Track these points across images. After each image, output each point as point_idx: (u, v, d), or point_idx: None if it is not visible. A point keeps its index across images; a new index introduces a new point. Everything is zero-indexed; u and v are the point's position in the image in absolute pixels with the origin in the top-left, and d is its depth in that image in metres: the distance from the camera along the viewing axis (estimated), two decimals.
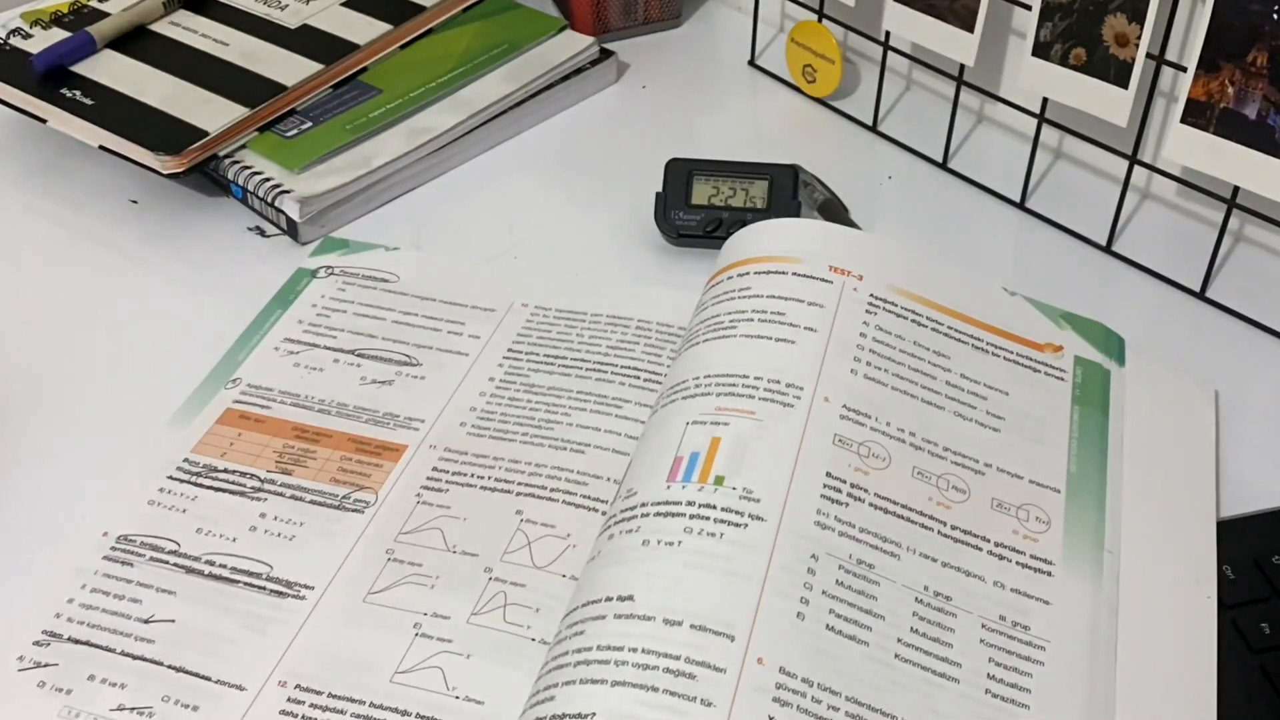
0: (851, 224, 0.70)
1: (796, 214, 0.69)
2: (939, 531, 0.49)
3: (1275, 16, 0.56)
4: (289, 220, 0.70)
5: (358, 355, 0.62)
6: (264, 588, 0.51)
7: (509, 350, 0.62)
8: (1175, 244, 0.68)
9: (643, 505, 0.49)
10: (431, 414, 0.59)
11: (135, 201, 0.74)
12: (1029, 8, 0.66)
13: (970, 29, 0.69)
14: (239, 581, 0.52)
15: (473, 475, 0.56)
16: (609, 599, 0.45)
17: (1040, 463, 0.53)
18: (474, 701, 0.47)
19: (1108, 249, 0.69)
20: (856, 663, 0.44)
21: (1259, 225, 0.67)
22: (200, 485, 0.56)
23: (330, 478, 0.56)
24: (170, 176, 0.71)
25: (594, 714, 0.41)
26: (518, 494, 0.55)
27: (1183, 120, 0.61)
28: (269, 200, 0.71)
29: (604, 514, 0.53)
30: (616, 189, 0.74)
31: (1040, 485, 0.52)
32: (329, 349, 0.63)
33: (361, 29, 0.81)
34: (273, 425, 0.58)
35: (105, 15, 0.80)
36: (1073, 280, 0.67)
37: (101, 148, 0.72)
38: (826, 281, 0.57)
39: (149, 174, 0.71)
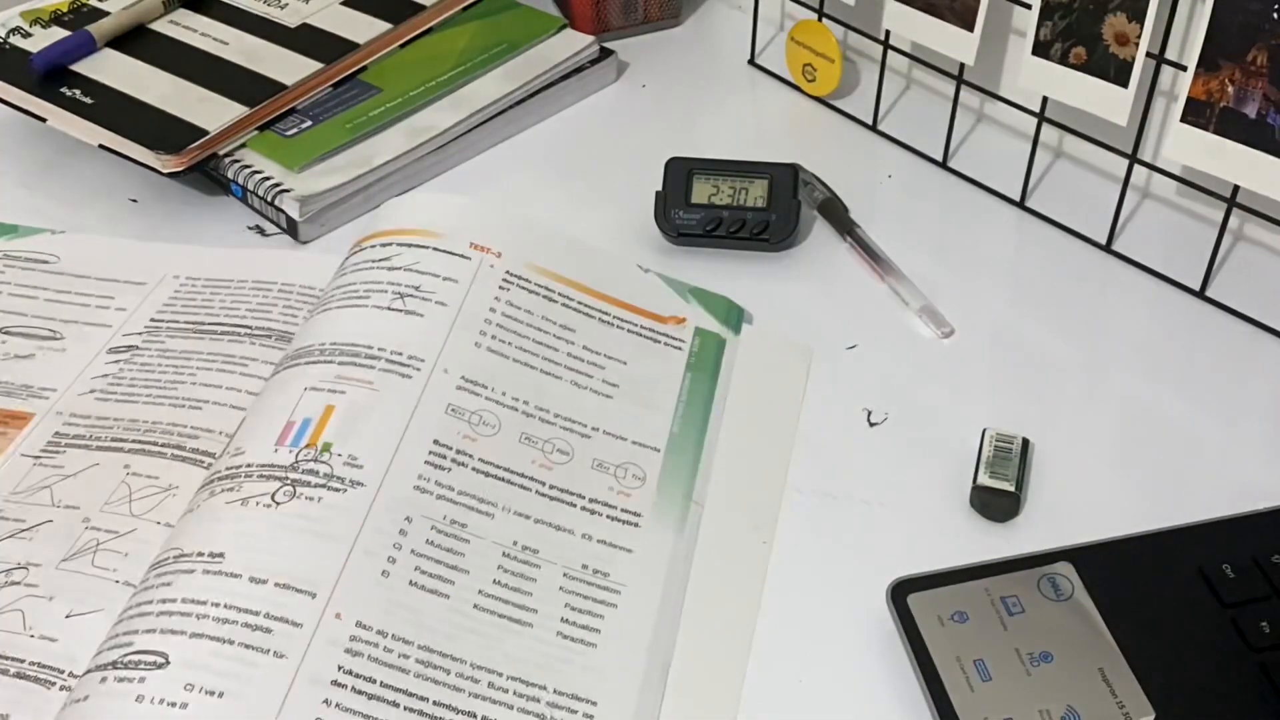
0: (852, 223, 0.70)
1: (797, 213, 0.69)
2: (537, 491, 0.53)
3: (1275, 15, 0.56)
4: (289, 219, 0.70)
5: (3, 332, 0.64)
6: None
7: (151, 319, 0.64)
8: (1175, 243, 0.68)
9: (248, 465, 0.51)
10: (64, 383, 0.61)
11: (135, 200, 0.74)
12: (1029, 7, 0.66)
13: (970, 28, 0.69)
14: None
15: (90, 437, 0.57)
16: (200, 554, 0.47)
17: (645, 425, 0.57)
18: (47, 639, 0.49)
19: (1108, 248, 0.69)
20: (434, 614, 0.47)
21: (1259, 224, 0.67)
22: None
23: None
24: (170, 175, 0.71)
25: (166, 658, 0.44)
26: (129, 450, 0.56)
27: (1183, 119, 0.61)
28: (269, 199, 0.71)
29: (208, 466, 0.55)
30: (616, 188, 0.74)
31: (642, 445, 0.56)
32: None
33: (361, 28, 0.81)
34: None
35: (105, 14, 0.80)
36: (1072, 279, 0.67)
37: (101, 146, 0.72)
38: (464, 258, 0.60)
39: (149, 173, 0.71)
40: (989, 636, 0.47)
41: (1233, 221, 0.64)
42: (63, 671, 0.48)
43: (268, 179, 0.71)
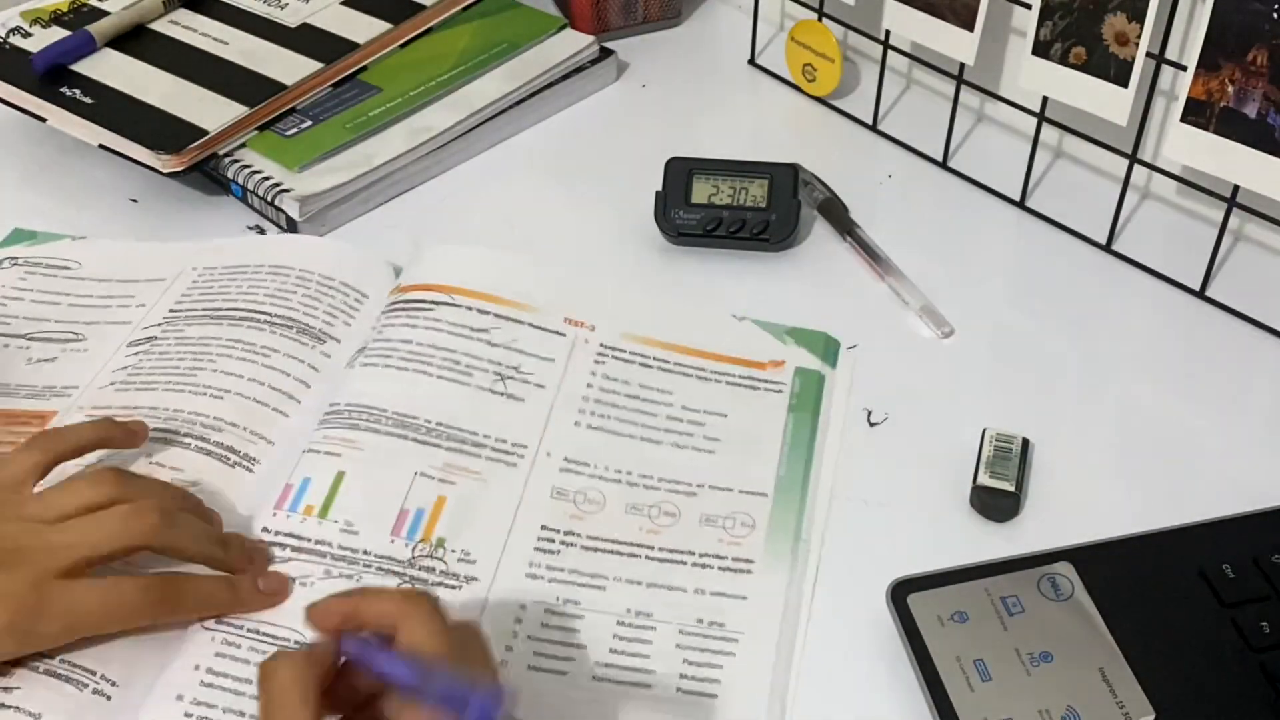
0: (852, 223, 0.70)
1: (797, 213, 0.69)
2: (646, 557, 0.53)
3: (1275, 16, 0.56)
4: (289, 219, 0.70)
5: (28, 339, 0.63)
6: None
7: (170, 310, 0.64)
8: (1175, 243, 0.68)
9: (364, 553, 0.52)
10: (86, 379, 0.61)
11: (135, 200, 0.74)
12: (1029, 7, 0.66)
13: (970, 28, 0.69)
14: None
15: None
16: None
17: (751, 473, 0.56)
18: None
19: (1108, 248, 0.69)
20: (554, 693, 0.48)
21: (1259, 224, 0.67)
22: None
23: None
24: (170, 175, 0.71)
25: None
26: (150, 439, 0.56)
27: (1183, 119, 0.61)
28: (269, 199, 0.71)
29: (234, 464, 0.55)
30: (616, 188, 0.74)
31: (749, 493, 0.56)
32: (0, 335, 0.64)
33: (361, 28, 0.81)
34: None
35: (105, 14, 0.80)
36: (1072, 279, 0.67)
37: (101, 146, 0.72)
38: (560, 334, 0.62)
39: (149, 172, 0.71)
40: (989, 636, 0.47)
41: (1233, 221, 0.64)
42: (95, 673, 0.47)
43: (268, 179, 0.71)
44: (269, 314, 0.63)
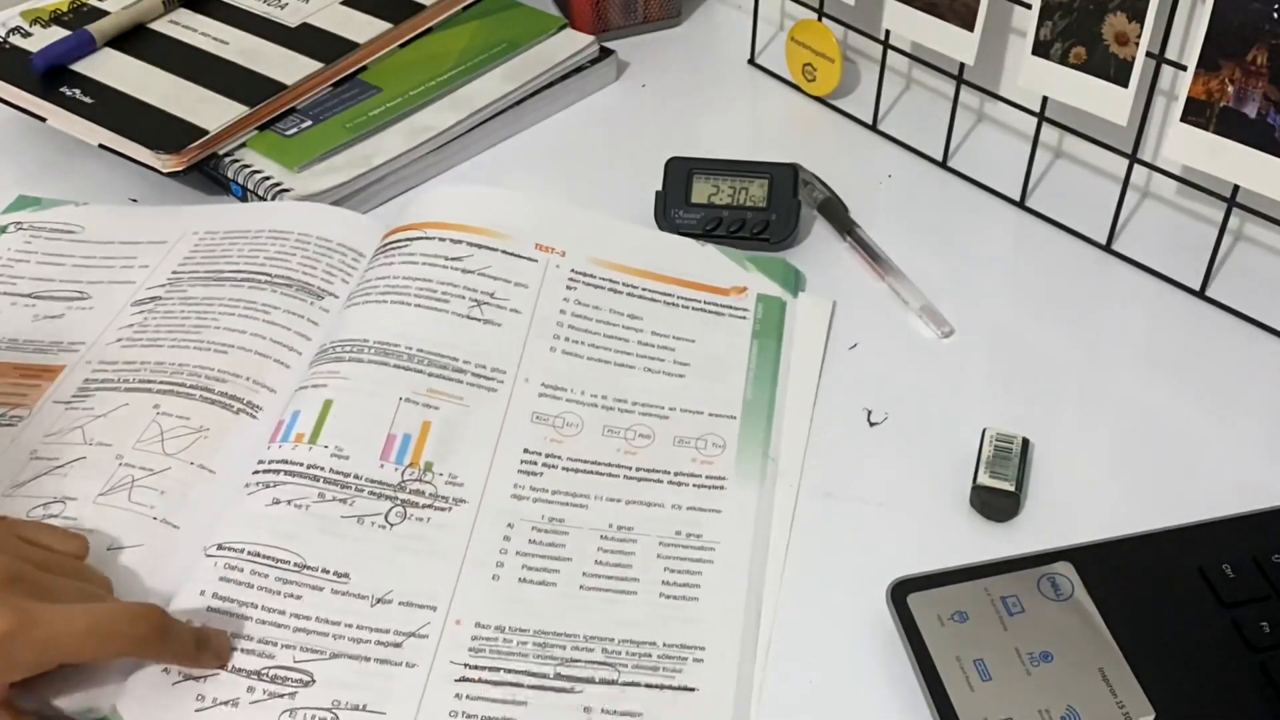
0: (852, 223, 0.70)
1: (797, 213, 0.69)
2: (625, 476, 0.56)
3: (1275, 15, 0.56)
4: None
5: (33, 297, 0.65)
6: None
7: (173, 272, 0.66)
8: (1175, 243, 0.68)
9: (356, 478, 0.53)
10: (92, 336, 0.62)
11: (135, 200, 0.74)
12: (1029, 6, 0.66)
13: (970, 28, 0.69)
14: None
15: (119, 380, 0.59)
16: (325, 571, 0.51)
17: (719, 397, 0.59)
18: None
19: (1108, 248, 0.69)
20: (544, 602, 0.51)
21: (1259, 224, 0.67)
22: None
23: None
24: (170, 175, 0.71)
25: (312, 677, 0.47)
26: (157, 391, 0.58)
27: (1183, 119, 0.61)
28: (269, 199, 0.71)
29: (238, 410, 0.58)
30: (616, 187, 0.74)
31: (718, 416, 0.59)
32: (6, 294, 0.66)
33: (361, 27, 0.81)
34: None
35: (105, 13, 0.80)
36: (1072, 279, 0.67)
37: (101, 146, 0.72)
38: (532, 260, 0.64)
39: (149, 172, 0.71)
40: (989, 636, 0.47)
41: (1233, 221, 0.64)
42: None
43: (268, 179, 0.71)
44: (269, 274, 0.65)
